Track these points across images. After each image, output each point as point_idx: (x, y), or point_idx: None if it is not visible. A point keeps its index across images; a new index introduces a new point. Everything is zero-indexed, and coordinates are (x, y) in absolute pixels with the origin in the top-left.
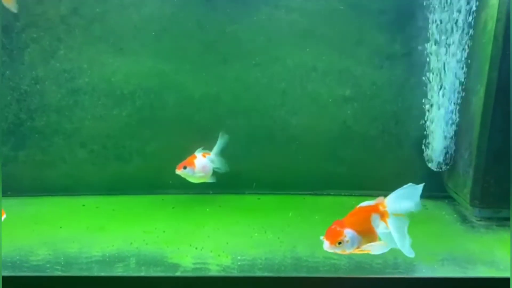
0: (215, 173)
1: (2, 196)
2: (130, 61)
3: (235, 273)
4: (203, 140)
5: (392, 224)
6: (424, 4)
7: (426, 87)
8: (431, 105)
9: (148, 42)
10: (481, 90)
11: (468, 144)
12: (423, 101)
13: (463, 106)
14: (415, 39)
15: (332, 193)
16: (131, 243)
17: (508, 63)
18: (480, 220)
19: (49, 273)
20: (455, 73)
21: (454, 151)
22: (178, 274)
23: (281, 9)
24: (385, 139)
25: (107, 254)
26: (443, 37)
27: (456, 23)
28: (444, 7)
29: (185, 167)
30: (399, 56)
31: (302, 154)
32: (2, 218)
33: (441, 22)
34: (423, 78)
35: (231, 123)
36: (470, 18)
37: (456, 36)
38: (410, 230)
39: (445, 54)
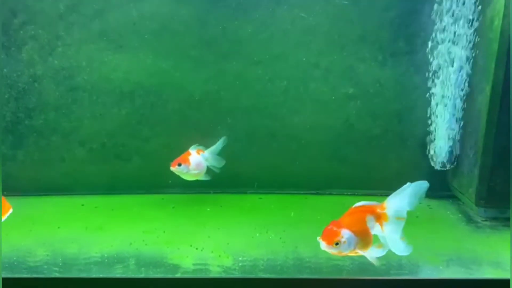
0: (209, 171)
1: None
2: (129, 59)
3: (236, 275)
4: (203, 138)
5: (388, 227)
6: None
7: (430, 85)
8: (436, 103)
9: (148, 39)
10: (487, 88)
11: (473, 142)
12: (427, 99)
13: (469, 104)
14: (419, 36)
15: (334, 193)
16: (131, 244)
17: None
18: (486, 220)
19: (47, 274)
20: (460, 71)
21: (459, 149)
22: (178, 275)
23: (283, 5)
24: (388, 138)
25: (106, 255)
26: (448, 34)
27: (461, 19)
28: (449, 3)
29: (179, 164)
30: (403, 53)
31: (304, 153)
32: (9, 213)
33: (445, 18)
34: (427, 75)
35: (232, 122)
36: (476, 14)
37: (461, 33)
38: (414, 231)
39: (450, 51)
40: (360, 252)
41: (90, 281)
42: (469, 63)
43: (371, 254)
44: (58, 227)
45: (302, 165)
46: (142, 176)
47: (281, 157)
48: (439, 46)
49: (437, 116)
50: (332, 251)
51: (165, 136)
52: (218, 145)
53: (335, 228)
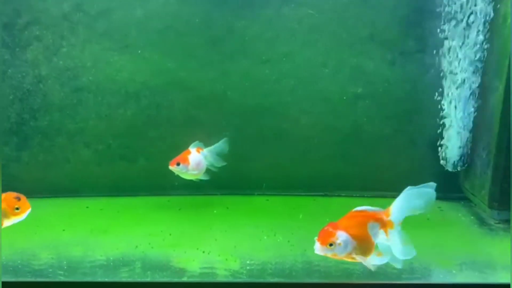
0: (208, 171)
1: None
2: (135, 59)
3: (244, 279)
4: (210, 139)
5: (394, 235)
6: None
7: (441, 84)
8: (447, 103)
9: (153, 39)
10: (500, 87)
11: (486, 143)
12: (438, 98)
13: (481, 103)
14: (429, 34)
15: (343, 195)
16: (136, 247)
17: None
18: (499, 223)
19: (51, 278)
20: (472, 69)
21: (471, 150)
22: (185, 279)
23: (290, 3)
24: (398, 139)
25: (111, 258)
26: (459, 32)
27: (472, 17)
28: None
29: (178, 164)
30: (413, 52)
31: (312, 154)
32: (27, 213)
33: (457, 16)
34: (438, 74)
35: (239, 122)
36: (489, 12)
37: (473, 31)
38: (426, 233)
39: (461, 49)
40: (358, 259)
41: (94, 285)
42: (481, 61)
43: (370, 262)
44: (63, 230)
45: (310, 166)
46: (148, 177)
47: (289, 158)
48: (451, 44)
49: (448, 116)
50: (326, 253)
51: (171, 137)
52: (219, 145)
53: (330, 229)
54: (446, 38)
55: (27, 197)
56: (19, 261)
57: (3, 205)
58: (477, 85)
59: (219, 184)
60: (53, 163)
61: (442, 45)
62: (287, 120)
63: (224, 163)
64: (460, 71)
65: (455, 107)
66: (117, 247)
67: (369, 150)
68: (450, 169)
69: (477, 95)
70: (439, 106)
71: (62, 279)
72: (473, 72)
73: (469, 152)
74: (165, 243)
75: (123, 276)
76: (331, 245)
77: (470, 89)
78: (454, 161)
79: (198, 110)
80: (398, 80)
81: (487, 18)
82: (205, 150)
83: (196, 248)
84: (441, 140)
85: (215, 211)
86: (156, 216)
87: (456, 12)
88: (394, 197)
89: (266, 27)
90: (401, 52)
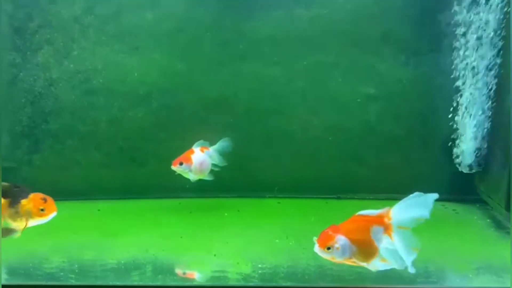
0: (211, 171)
1: None
2: (145, 61)
3: (255, 283)
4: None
5: (397, 237)
6: None
7: (456, 84)
8: (462, 103)
9: (164, 41)
10: None
11: (502, 144)
12: (452, 99)
13: (497, 104)
14: (443, 33)
15: (356, 197)
16: (147, 250)
17: None
18: None
19: (62, 281)
20: (488, 69)
21: (487, 151)
22: (196, 283)
23: (301, 4)
24: (411, 140)
25: (122, 262)
26: (475, 31)
27: (488, 15)
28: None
29: (181, 163)
30: (427, 52)
31: (324, 156)
32: (52, 215)
33: (472, 15)
34: (452, 75)
35: (249, 124)
36: (504, 10)
37: (489, 29)
38: (441, 237)
39: (477, 49)
40: (359, 263)
41: None
42: (497, 61)
43: (373, 266)
44: (74, 233)
45: (322, 169)
46: (159, 180)
47: (300, 160)
48: (465, 44)
49: (463, 117)
50: (324, 255)
51: (182, 139)
52: (219, 144)
53: (330, 232)
54: (461, 38)
55: None
56: (31, 264)
57: (30, 205)
58: (493, 85)
59: (230, 186)
60: (64, 166)
61: (456, 45)
62: (298, 122)
63: (225, 163)
64: (476, 72)
65: (471, 107)
66: (128, 250)
67: (382, 152)
68: (465, 171)
69: (493, 96)
70: (453, 107)
71: (74, 282)
72: (489, 72)
73: (484, 153)
74: (176, 246)
75: (134, 280)
76: (328, 248)
77: (486, 89)
78: (470, 163)
79: (209, 112)
80: (411, 81)
81: (503, 16)
82: (211, 149)
83: (207, 251)
84: (456, 141)
85: (226, 214)
86: (167, 219)
87: (471, 9)
88: None
89: (277, 28)
90: (414, 52)
